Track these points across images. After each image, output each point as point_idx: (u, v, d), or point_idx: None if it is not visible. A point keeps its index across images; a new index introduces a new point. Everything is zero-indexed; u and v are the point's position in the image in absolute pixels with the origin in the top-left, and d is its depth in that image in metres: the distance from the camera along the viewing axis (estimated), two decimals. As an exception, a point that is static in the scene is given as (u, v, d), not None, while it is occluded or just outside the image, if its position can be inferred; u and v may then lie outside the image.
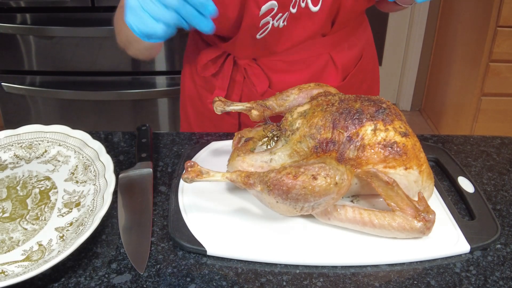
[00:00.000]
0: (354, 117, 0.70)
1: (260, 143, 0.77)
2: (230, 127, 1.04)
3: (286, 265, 0.66)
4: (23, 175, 0.81)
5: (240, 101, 1.01)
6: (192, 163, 0.71)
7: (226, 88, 1.00)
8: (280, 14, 0.87)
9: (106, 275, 0.64)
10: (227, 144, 0.90)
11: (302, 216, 0.73)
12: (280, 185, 0.65)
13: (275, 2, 0.85)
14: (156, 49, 0.97)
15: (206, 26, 0.67)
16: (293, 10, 0.87)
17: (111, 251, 0.68)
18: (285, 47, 0.93)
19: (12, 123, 2.12)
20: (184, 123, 1.16)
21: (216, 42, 0.98)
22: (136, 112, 2.13)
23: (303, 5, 0.87)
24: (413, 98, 3.09)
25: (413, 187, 0.71)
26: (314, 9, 0.88)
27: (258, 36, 0.90)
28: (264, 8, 0.85)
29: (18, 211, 0.73)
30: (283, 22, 0.88)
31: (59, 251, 0.65)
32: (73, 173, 0.81)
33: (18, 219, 0.72)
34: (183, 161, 0.85)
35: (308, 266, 0.66)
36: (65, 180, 0.80)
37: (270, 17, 0.87)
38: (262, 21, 0.87)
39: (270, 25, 0.88)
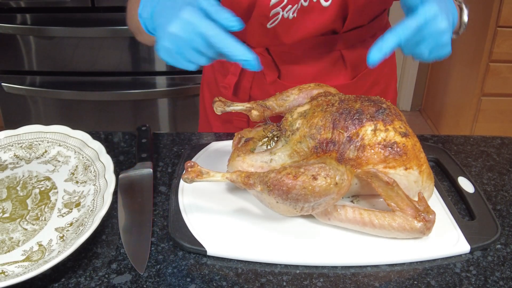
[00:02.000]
0: (354, 117, 0.70)
1: (260, 143, 0.77)
2: (238, 113, 1.06)
3: (286, 265, 0.66)
4: (23, 176, 0.81)
5: (250, 88, 1.04)
6: (192, 163, 0.71)
7: (238, 74, 1.03)
8: (290, 6, 0.89)
9: (106, 275, 0.64)
10: (227, 144, 0.90)
11: (302, 216, 0.73)
12: (280, 185, 0.65)
13: None
14: None
15: (248, 65, 0.68)
16: (305, 4, 0.89)
17: (111, 251, 0.68)
18: (295, 39, 0.95)
19: (12, 123, 2.12)
20: (202, 109, 1.19)
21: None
22: (136, 112, 2.13)
23: None
24: (413, 98, 3.09)
25: (413, 187, 0.71)
26: (325, 4, 0.90)
27: (268, 26, 0.92)
28: None
29: (18, 211, 0.73)
30: (292, 14, 0.90)
31: (59, 251, 0.65)
32: (73, 173, 0.81)
33: (18, 219, 0.72)
34: (183, 162, 0.85)
35: (308, 266, 0.66)
36: (65, 181, 0.80)
37: (280, 8, 0.89)
38: (273, 11, 0.89)
39: (280, 15, 0.90)
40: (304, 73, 0.99)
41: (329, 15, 0.91)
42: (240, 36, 0.98)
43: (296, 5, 0.89)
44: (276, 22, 0.91)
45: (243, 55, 0.66)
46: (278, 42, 0.95)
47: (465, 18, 0.84)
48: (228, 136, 0.95)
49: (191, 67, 0.69)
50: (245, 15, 0.91)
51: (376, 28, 1.02)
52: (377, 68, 1.05)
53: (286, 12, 0.89)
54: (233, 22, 0.65)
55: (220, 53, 0.67)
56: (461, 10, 0.85)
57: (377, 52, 0.68)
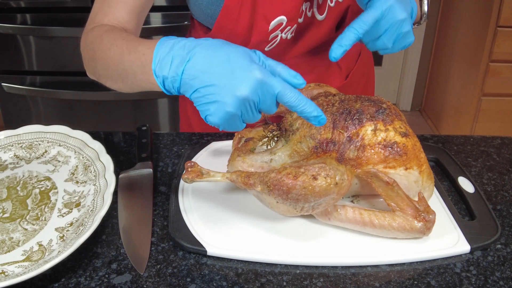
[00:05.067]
0: (354, 117, 0.70)
1: (260, 143, 0.77)
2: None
3: (286, 265, 0.66)
4: (23, 176, 0.81)
5: None
6: (192, 163, 0.71)
7: None
8: (288, 27, 0.87)
9: (106, 275, 0.64)
10: (227, 144, 0.90)
11: (302, 216, 0.73)
12: (280, 185, 0.65)
13: (284, 17, 0.85)
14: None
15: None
16: (300, 20, 0.88)
17: (111, 251, 0.68)
18: (292, 56, 0.94)
19: (12, 123, 2.12)
20: (185, 126, 1.14)
21: None
22: (136, 112, 2.13)
23: (309, 14, 0.88)
24: (413, 98, 3.09)
25: (413, 187, 0.71)
26: (320, 17, 0.89)
27: (266, 49, 0.90)
28: (273, 23, 0.85)
29: (18, 212, 0.73)
30: (291, 34, 0.88)
31: (59, 251, 0.65)
32: (73, 174, 0.81)
33: (18, 220, 0.72)
34: (183, 161, 0.85)
35: (309, 266, 0.66)
36: (65, 181, 0.80)
37: (279, 30, 0.87)
38: (271, 35, 0.87)
39: (278, 38, 0.88)
40: None
41: (325, 27, 0.90)
42: None
43: (295, 24, 0.87)
44: (274, 44, 0.89)
45: (315, 111, 0.61)
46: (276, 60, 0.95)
47: (425, 7, 0.84)
48: (228, 136, 0.95)
49: (242, 128, 0.63)
50: (243, 42, 0.89)
51: None
52: (363, 62, 1.05)
53: (285, 34, 0.88)
54: (300, 80, 0.61)
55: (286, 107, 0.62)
56: (420, 0, 0.85)
57: (338, 48, 0.73)
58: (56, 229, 0.70)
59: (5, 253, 0.66)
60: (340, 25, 0.93)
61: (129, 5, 0.81)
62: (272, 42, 0.89)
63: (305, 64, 0.97)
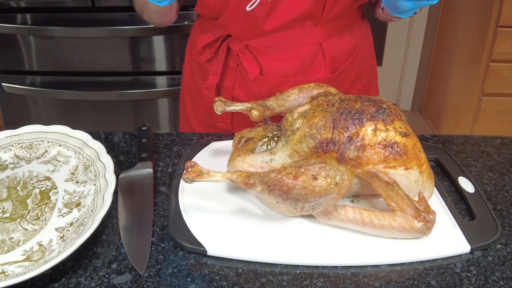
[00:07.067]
0: (355, 117, 0.70)
1: (261, 143, 0.77)
2: (222, 116, 1.06)
3: (286, 265, 0.66)
4: (24, 175, 0.81)
5: (233, 88, 1.03)
6: (193, 163, 0.71)
7: (219, 74, 1.03)
8: None
9: (107, 275, 0.64)
10: (227, 144, 0.90)
11: (302, 216, 0.73)
12: (280, 185, 0.65)
13: None
14: (167, 17, 1.05)
15: None
16: None
17: (112, 251, 0.68)
18: (274, 25, 0.95)
19: (12, 123, 2.12)
20: (183, 114, 1.18)
21: (211, 24, 1.01)
22: (136, 112, 2.13)
23: None
24: (413, 98, 3.09)
25: (414, 187, 0.71)
26: None
27: (248, 8, 0.92)
28: None
29: (18, 211, 0.73)
30: None
31: (59, 251, 0.65)
32: (73, 173, 0.81)
33: (19, 219, 0.72)
34: (183, 161, 0.85)
35: (309, 266, 0.66)
36: (66, 180, 0.80)
37: None
38: None
39: None
40: (285, 67, 0.99)
41: None
42: (221, 25, 0.99)
43: None
44: (255, 4, 0.91)
45: None
46: (259, 29, 0.96)
47: None
48: (228, 136, 0.95)
49: None
50: (224, 1, 0.92)
51: (353, 22, 1.02)
52: (358, 63, 1.05)
53: None
54: None
55: None
56: None
57: None
58: (56, 229, 0.70)
59: (5, 253, 0.66)
60: (326, 4, 0.94)
61: None
62: (253, 1, 0.91)
63: (290, 48, 0.98)
